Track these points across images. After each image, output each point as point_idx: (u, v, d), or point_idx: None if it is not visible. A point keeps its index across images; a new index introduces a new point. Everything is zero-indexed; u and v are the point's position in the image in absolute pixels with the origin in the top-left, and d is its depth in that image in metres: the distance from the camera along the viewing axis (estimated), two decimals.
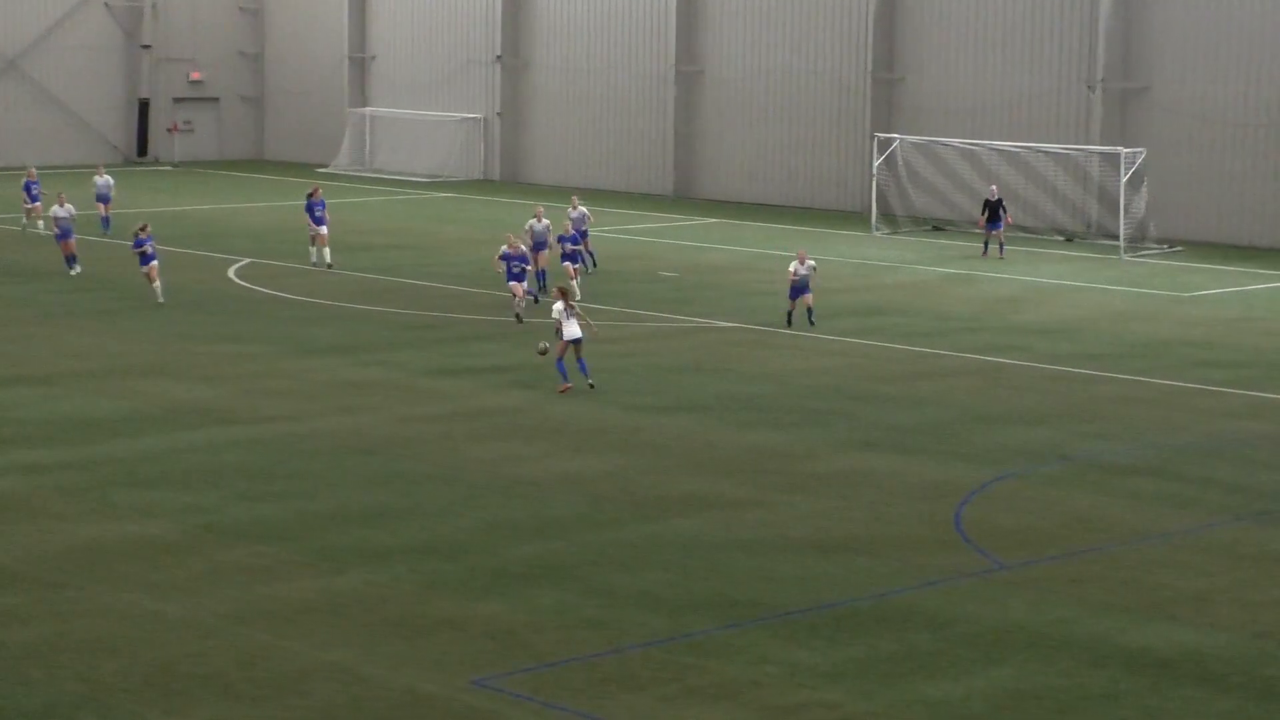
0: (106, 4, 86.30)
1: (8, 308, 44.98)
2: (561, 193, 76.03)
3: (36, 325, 42.87)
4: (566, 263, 47.93)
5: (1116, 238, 60.80)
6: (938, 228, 65.71)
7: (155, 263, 46.09)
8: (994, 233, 58.45)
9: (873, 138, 68.11)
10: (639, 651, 21.54)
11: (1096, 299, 51.11)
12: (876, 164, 66.55)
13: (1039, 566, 25.40)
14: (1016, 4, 67.98)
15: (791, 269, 43.86)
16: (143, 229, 46.57)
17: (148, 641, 21.48)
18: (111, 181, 61.10)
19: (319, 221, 52.46)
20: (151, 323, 43.33)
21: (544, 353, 35.70)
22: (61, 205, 52.29)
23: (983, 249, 58.59)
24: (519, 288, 43.69)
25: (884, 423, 34.44)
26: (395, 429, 33.06)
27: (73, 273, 50.18)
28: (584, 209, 53.70)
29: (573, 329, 35.90)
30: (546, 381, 37.21)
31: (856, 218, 67.65)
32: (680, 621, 22.62)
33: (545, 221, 49.85)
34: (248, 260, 54.11)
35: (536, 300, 45.49)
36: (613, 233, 63.62)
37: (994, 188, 60.31)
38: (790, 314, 43.96)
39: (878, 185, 66.50)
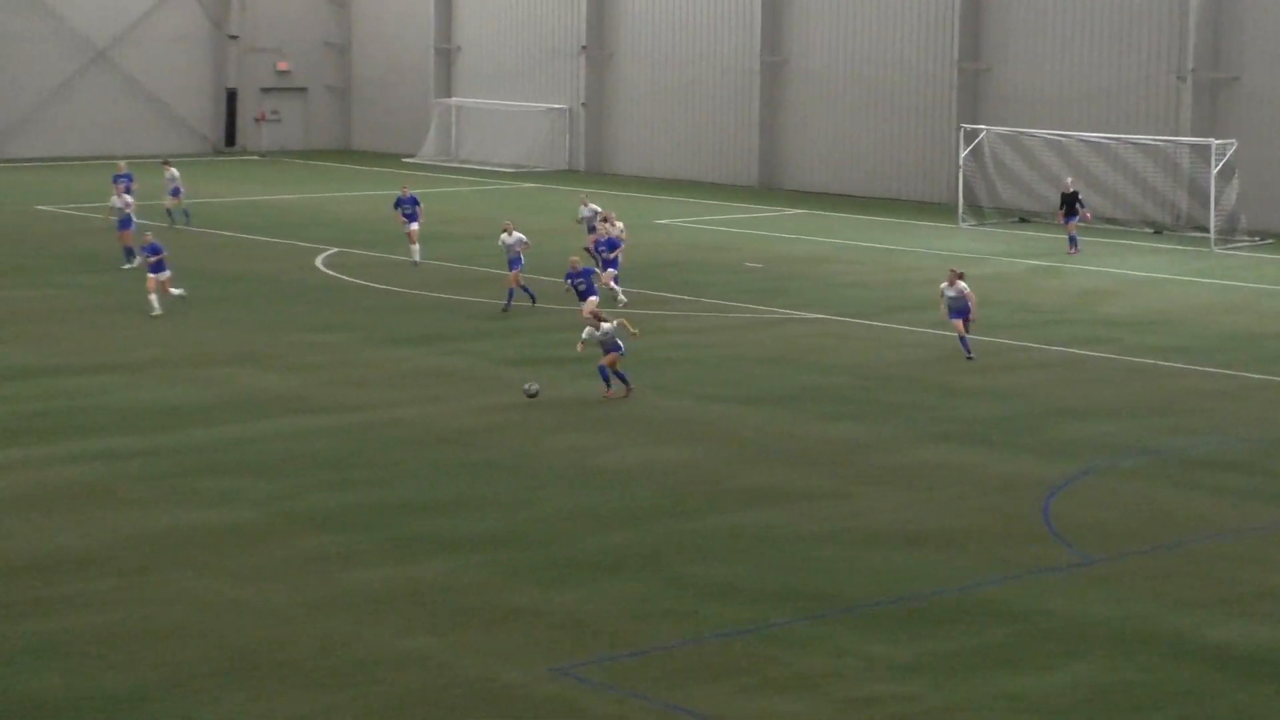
0: None
1: (93, 296, 45.29)
2: (645, 184, 76.38)
3: (120, 314, 43.08)
4: (609, 269, 45.83)
5: (1206, 230, 60.22)
6: (1024, 220, 65.31)
7: (167, 274, 42.77)
8: (1070, 224, 57.95)
9: (959, 129, 67.71)
10: (718, 642, 21.52)
11: (1185, 292, 50.68)
12: (963, 155, 66.20)
13: (1121, 561, 25.22)
14: None
15: (941, 288, 40.32)
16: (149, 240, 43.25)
17: (228, 628, 21.62)
18: (178, 174, 59.98)
19: (411, 219, 52.09)
20: (237, 312, 43.55)
21: (534, 395, 34.04)
22: (119, 196, 52.36)
23: (1068, 244, 57.91)
24: (591, 303, 41.41)
25: (967, 415, 34.26)
26: (475, 418, 33.12)
27: (127, 267, 49.27)
28: (595, 206, 52.42)
29: (612, 343, 34.73)
30: (629, 369, 37.17)
31: (943, 209, 67.24)
32: (759, 612, 22.59)
33: (517, 234, 46.12)
34: (335, 249, 54.31)
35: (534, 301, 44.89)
36: (698, 224, 63.72)
37: (1069, 180, 59.86)
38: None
39: (964, 176, 66.11)
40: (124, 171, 57.76)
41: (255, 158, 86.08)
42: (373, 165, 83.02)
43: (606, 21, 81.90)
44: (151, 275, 42.39)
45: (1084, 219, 57.94)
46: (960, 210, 65.36)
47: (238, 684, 19.84)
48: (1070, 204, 57.76)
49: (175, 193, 58.87)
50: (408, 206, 51.68)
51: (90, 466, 29.07)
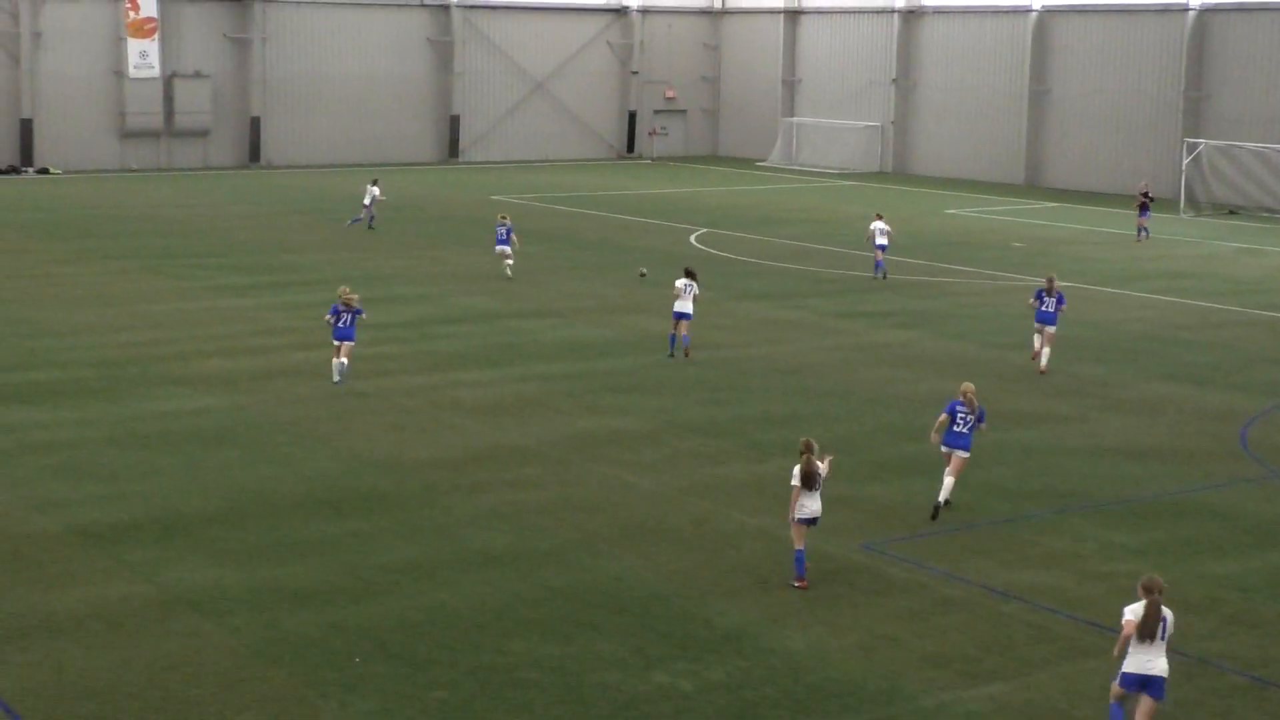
0: (608, 42, 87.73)
1: (532, 261, 46.31)
2: (937, 182, 75.35)
3: (548, 275, 43.92)
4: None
5: None
6: (1233, 212, 63.02)
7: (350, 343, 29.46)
8: (1142, 220, 54.25)
9: (1183, 142, 65.92)
10: (987, 528, 21.26)
11: None
12: (1185, 162, 64.37)
13: None
14: None
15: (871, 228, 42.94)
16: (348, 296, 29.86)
17: (624, 505, 21.98)
18: (377, 192, 53.64)
19: (502, 242, 42.15)
20: (633, 275, 44.03)
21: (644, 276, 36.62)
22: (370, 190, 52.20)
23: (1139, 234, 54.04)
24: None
25: (1183, 360, 33.20)
26: (808, 356, 33.08)
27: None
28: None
29: (685, 306, 32.03)
30: (925, 323, 36.80)
31: (1168, 204, 65.13)
32: (1019, 507, 22.25)
33: (507, 222, 42.19)
34: (704, 229, 54.61)
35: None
36: (976, 213, 62.63)
37: (1144, 183, 58.48)
38: None
39: (1185, 179, 64.24)
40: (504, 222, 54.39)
41: (647, 162, 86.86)
42: (734, 168, 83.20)
43: (911, 60, 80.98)
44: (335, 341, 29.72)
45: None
46: (1181, 204, 63.43)
47: (631, 545, 20.19)
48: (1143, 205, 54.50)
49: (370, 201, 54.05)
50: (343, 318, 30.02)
51: (529, 385, 29.70)
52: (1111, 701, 14.49)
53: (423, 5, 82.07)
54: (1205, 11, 68.38)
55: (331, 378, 29.17)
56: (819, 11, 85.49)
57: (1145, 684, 14.22)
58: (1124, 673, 14.25)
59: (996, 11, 76.74)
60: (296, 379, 29.65)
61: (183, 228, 52.64)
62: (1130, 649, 14.23)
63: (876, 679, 16.12)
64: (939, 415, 22.30)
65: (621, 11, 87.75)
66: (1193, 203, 63.66)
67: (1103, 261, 48.03)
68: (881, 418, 27.58)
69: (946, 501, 21.71)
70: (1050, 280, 32.33)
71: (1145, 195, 55.31)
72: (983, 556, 19.93)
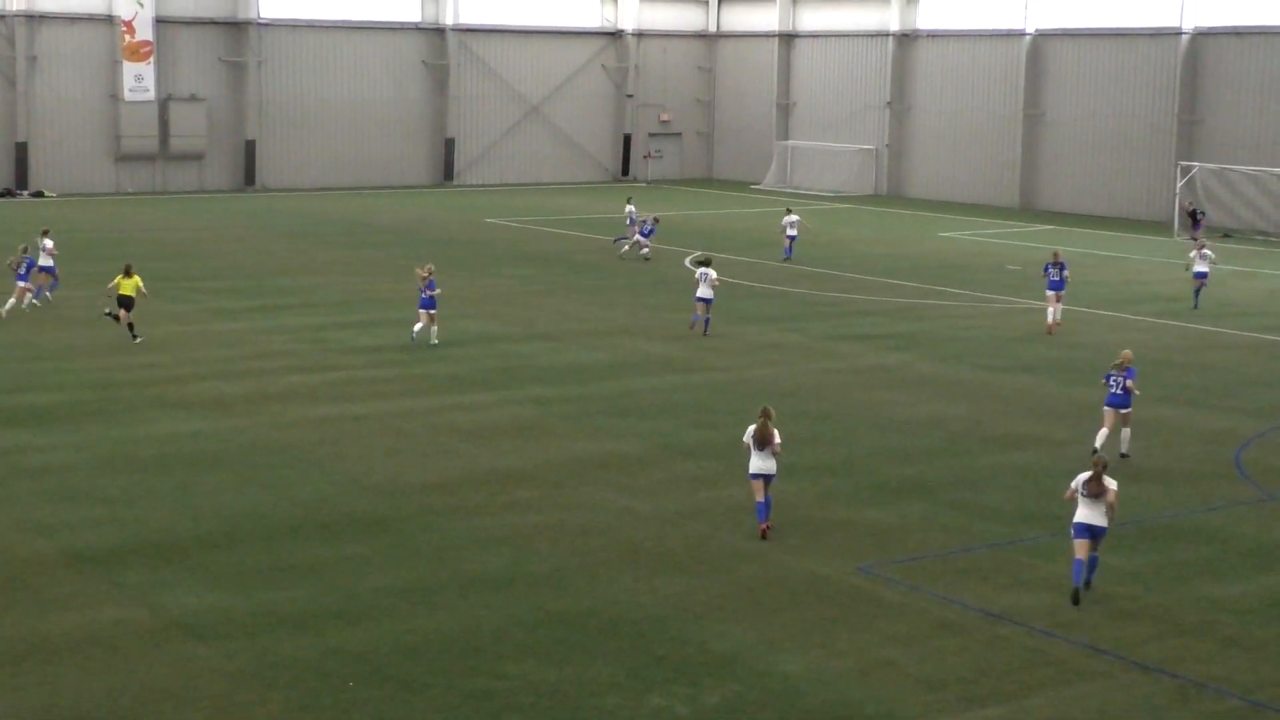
0: (603, 66, 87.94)
1: (526, 285, 46.31)
2: (932, 205, 75.47)
3: (546, 297, 43.96)
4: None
5: None
6: (1226, 235, 63.07)
7: (433, 310, 35.50)
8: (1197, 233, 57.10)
9: (1177, 165, 66.08)
10: (984, 551, 21.24)
11: None
12: (1179, 185, 64.53)
13: None
14: None
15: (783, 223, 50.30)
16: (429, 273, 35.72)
17: (621, 528, 21.94)
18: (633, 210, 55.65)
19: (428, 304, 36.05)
20: (625, 296, 44.10)
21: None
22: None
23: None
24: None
25: (1179, 382, 33.21)
26: (804, 379, 33.09)
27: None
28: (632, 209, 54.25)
29: (705, 291, 37.41)
30: (920, 345, 36.83)
31: (1162, 226, 65.29)
32: (1016, 529, 22.24)
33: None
34: (699, 251, 54.58)
35: None
36: (971, 235, 62.73)
37: (1189, 201, 61.11)
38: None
39: (1179, 202, 64.35)
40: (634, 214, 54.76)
41: (642, 184, 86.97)
42: (729, 191, 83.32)
43: (905, 84, 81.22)
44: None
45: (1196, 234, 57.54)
46: (1176, 227, 63.56)
47: (628, 568, 20.16)
48: (1194, 218, 58.73)
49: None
50: (428, 291, 35.48)
51: (525, 408, 29.70)
52: (1074, 558, 19.19)
53: (418, 28, 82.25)
54: (1198, 35, 68.60)
55: (410, 337, 35.38)
56: (813, 35, 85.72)
57: (1092, 531, 19.17)
58: (1075, 523, 19.28)
59: (991, 35, 76.95)
60: (292, 402, 29.63)
61: (177, 251, 52.65)
62: (1079, 506, 19.25)
63: (873, 702, 16.09)
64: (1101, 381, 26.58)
65: (616, 35, 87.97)
66: (1187, 226, 63.75)
67: (1097, 284, 48.09)
68: (878, 441, 27.57)
69: (1124, 454, 25.94)
70: (1056, 254, 40.47)
71: (1193, 213, 59.22)
72: (979, 579, 19.91)
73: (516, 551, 20.71)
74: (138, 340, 35.29)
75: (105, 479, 23.93)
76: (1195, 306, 43.27)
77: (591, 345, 36.49)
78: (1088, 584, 19.32)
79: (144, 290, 35.95)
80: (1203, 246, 45.24)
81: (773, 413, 21.63)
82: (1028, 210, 74.12)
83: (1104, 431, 25.98)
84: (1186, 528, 22.50)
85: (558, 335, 37.74)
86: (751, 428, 21.44)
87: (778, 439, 21.43)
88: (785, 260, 50.94)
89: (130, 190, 74.90)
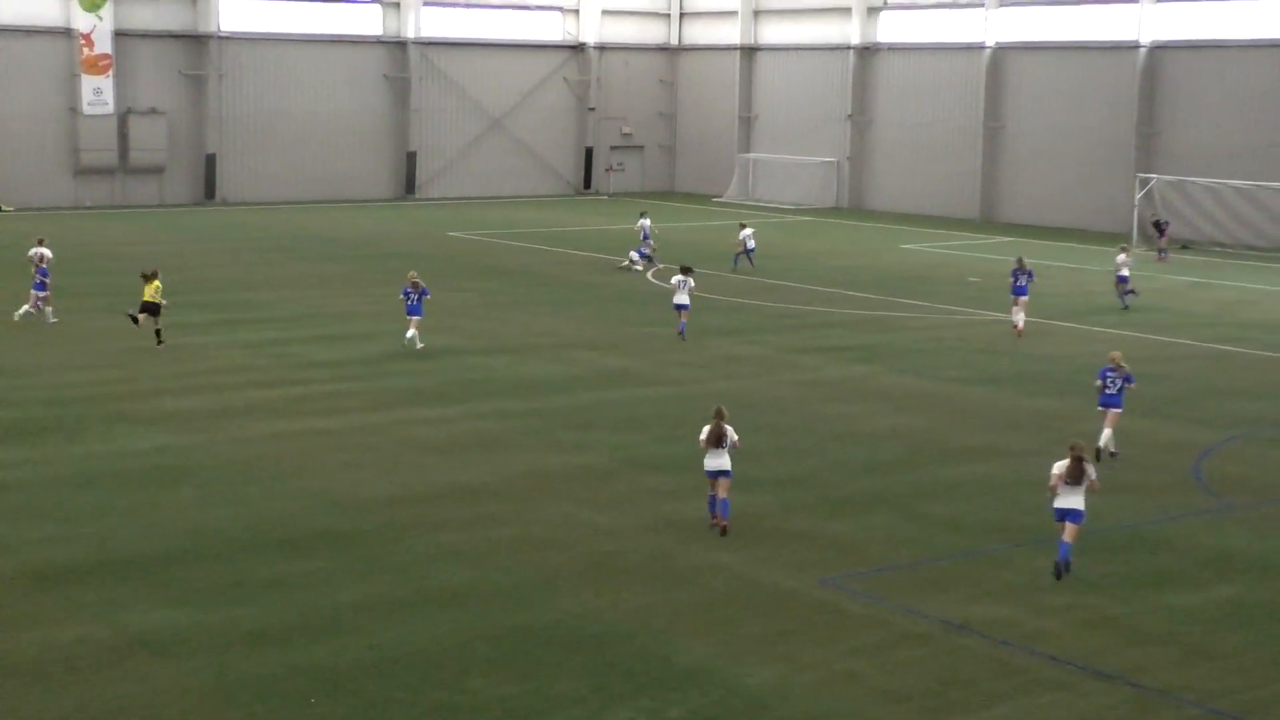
0: (565, 79, 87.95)
1: (488, 297, 46.24)
2: (893, 217, 75.80)
3: (509, 311, 43.92)
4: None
5: None
6: (1185, 247, 63.52)
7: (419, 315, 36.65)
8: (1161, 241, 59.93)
9: (1135, 177, 66.45)
10: (947, 562, 21.31)
11: None
12: (1138, 197, 64.84)
13: (1259, 508, 24.42)
14: (1249, 75, 65.94)
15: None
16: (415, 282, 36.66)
17: (584, 542, 21.92)
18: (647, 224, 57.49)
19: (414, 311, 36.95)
20: (587, 309, 44.11)
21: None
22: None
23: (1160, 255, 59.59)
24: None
25: (1137, 393, 33.17)
26: (766, 391, 33.15)
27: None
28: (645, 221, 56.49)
29: (682, 297, 38.98)
30: (883, 358, 36.95)
31: (1121, 238, 65.62)
32: (978, 541, 22.31)
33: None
34: (661, 265, 54.65)
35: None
36: (932, 247, 62.96)
37: (1152, 212, 62.67)
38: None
39: (1138, 213, 64.74)
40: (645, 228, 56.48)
41: (604, 197, 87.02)
42: (691, 203, 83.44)
43: (866, 97, 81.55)
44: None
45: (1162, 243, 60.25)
46: (1134, 239, 63.88)
47: (591, 582, 20.13)
48: (1161, 229, 60.49)
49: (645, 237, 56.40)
50: (411, 297, 36.68)
51: (488, 422, 29.65)
52: (1060, 541, 20.38)
53: (380, 42, 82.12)
54: (1156, 49, 69.10)
55: (403, 344, 36.30)
56: (775, 48, 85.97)
57: (1069, 515, 20.38)
58: (1055, 508, 20.46)
59: (951, 48, 77.33)
60: (253, 417, 29.51)
61: (138, 265, 52.30)
62: (1059, 492, 20.37)
63: (837, 714, 16.11)
64: (1095, 382, 27.07)
65: (578, 48, 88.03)
66: (1146, 237, 64.14)
67: (1057, 296, 48.33)
68: (840, 453, 27.64)
69: (1113, 453, 26.60)
70: (1021, 259, 41.62)
71: (1157, 223, 60.64)
72: (942, 591, 19.97)
73: (479, 566, 20.67)
74: (161, 346, 36.29)
75: (64, 496, 23.77)
76: (1125, 307, 45.66)
77: (555, 359, 36.47)
78: (1068, 566, 20.36)
79: (165, 301, 37.06)
80: (1125, 251, 47.98)
81: (726, 412, 22.47)
82: (988, 222, 74.49)
83: (1108, 432, 26.81)
84: (1146, 538, 22.63)
85: (521, 349, 37.69)
86: (706, 427, 22.27)
87: (734, 436, 22.22)
88: (734, 270, 52.51)
89: (89, 204, 74.49)
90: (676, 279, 39.57)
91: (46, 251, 42.24)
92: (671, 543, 21.89)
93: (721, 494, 22.20)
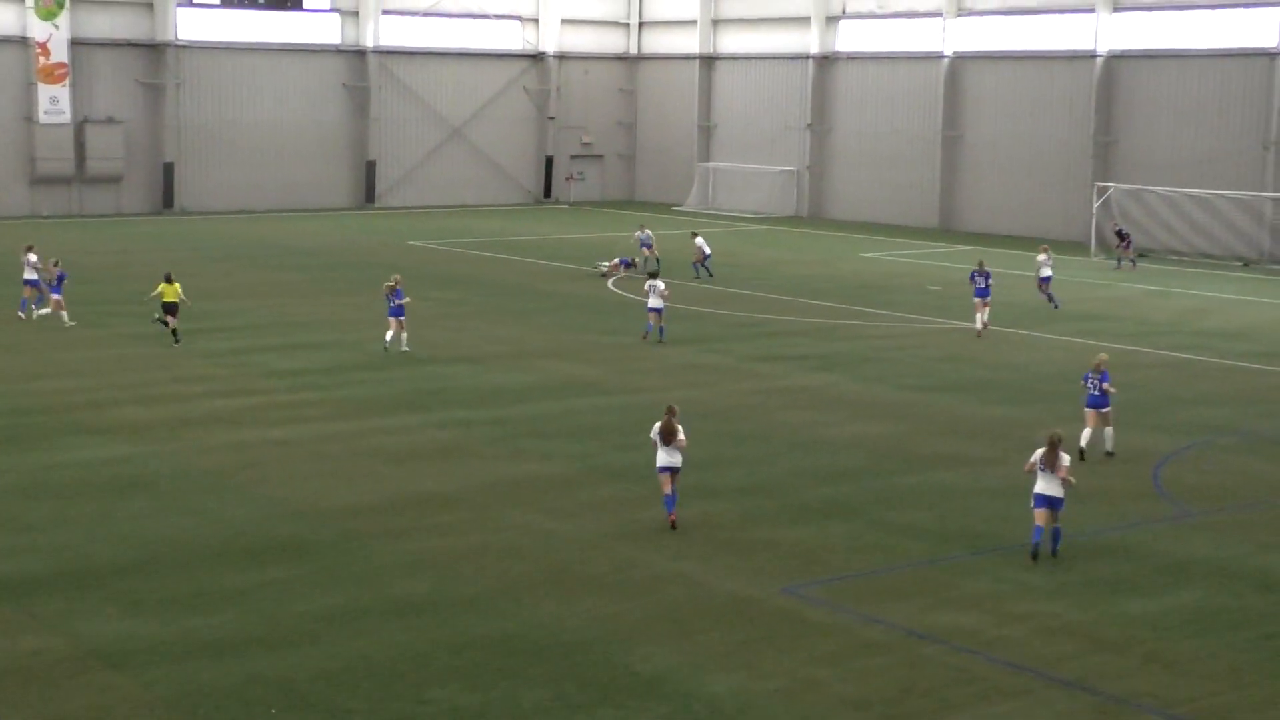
0: (524, 88, 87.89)
1: (450, 307, 46.16)
2: (853, 226, 76.01)
3: (469, 320, 43.85)
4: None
5: None
6: (1142, 255, 63.85)
7: (401, 317, 37.70)
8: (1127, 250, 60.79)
9: (1093, 186, 66.89)
10: (907, 570, 21.37)
11: (1267, 311, 49.18)
12: (1096, 205, 65.30)
13: (1218, 515, 24.57)
14: (1206, 83, 66.30)
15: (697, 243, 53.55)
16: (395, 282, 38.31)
17: (546, 550, 21.89)
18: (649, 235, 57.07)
19: (397, 313, 38.09)
20: (549, 319, 44.09)
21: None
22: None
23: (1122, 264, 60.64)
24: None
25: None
26: (728, 400, 33.18)
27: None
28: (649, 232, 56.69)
29: (655, 302, 39.90)
30: (843, 366, 37.05)
31: (1079, 247, 66.05)
32: (938, 548, 22.38)
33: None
34: (621, 275, 54.64)
35: None
36: (891, 256, 63.15)
37: (1114, 221, 63.79)
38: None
39: (1096, 222, 65.20)
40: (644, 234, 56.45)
41: (565, 206, 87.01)
42: (651, 212, 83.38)
43: (826, 105, 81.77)
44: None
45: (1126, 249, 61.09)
46: (1093, 247, 64.34)
47: (553, 591, 20.11)
48: (1123, 237, 61.24)
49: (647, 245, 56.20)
50: (396, 300, 37.88)
51: (449, 431, 29.59)
52: (1035, 525, 21.61)
53: (338, 51, 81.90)
54: (1113, 58, 69.52)
55: (382, 346, 37.49)
56: (734, 57, 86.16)
57: (1049, 502, 21.54)
58: (1035, 494, 21.65)
59: (909, 58, 77.65)
60: (212, 427, 29.36)
61: (95, 275, 52.03)
62: (1038, 479, 21.51)
63: None
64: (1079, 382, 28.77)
65: (538, 57, 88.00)
66: (1103, 246, 64.54)
67: (1016, 305, 48.56)
68: (801, 461, 27.68)
69: (1109, 452, 27.80)
70: (981, 262, 43.28)
71: (1119, 231, 61.42)
72: (902, 599, 20.02)
73: (440, 575, 20.61)
74: (178, 344, 37.99)
75: (22, 506, 23.59)
76: (1056, 307, 47.24)
77: (515, 367, 36.42)
78: (1053, 553, 21.66)
79: (186, 299, 39.31)
80: (1045, 251, 49.71)
81: (677, 410, 23.08)
82: (947, 230, 74.80)
83: (1087, 431, 27.82)
84: (1105, 545, 22.73)
85: (482, 358, 37.63)
86: (657, 425, 22.82)
87: (682, 435, 22.77)
88: (696, 279, 52.81)
89: (46, 213, 73.97)
90: (648, 284, 41.12)
91: (33, 257, 43.02)
92: (633, 551, 21.88)
93: (667, 490, 22.80)
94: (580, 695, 16.67)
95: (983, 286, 41.97)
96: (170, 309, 38.56)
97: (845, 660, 17.84)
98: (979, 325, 41.97)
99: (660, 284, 40.78)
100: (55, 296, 40.96)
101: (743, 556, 21.69)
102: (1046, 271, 47.99)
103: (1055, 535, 21.73)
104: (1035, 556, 21.38)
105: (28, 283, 42.31)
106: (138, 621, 18.58)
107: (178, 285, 38.81)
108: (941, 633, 18.76)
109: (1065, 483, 21.59)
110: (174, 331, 38.44)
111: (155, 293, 38.93)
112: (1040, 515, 21.56)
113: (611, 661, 17.66)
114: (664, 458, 22.70)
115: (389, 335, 37.66)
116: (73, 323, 40.82)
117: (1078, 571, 21.37)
